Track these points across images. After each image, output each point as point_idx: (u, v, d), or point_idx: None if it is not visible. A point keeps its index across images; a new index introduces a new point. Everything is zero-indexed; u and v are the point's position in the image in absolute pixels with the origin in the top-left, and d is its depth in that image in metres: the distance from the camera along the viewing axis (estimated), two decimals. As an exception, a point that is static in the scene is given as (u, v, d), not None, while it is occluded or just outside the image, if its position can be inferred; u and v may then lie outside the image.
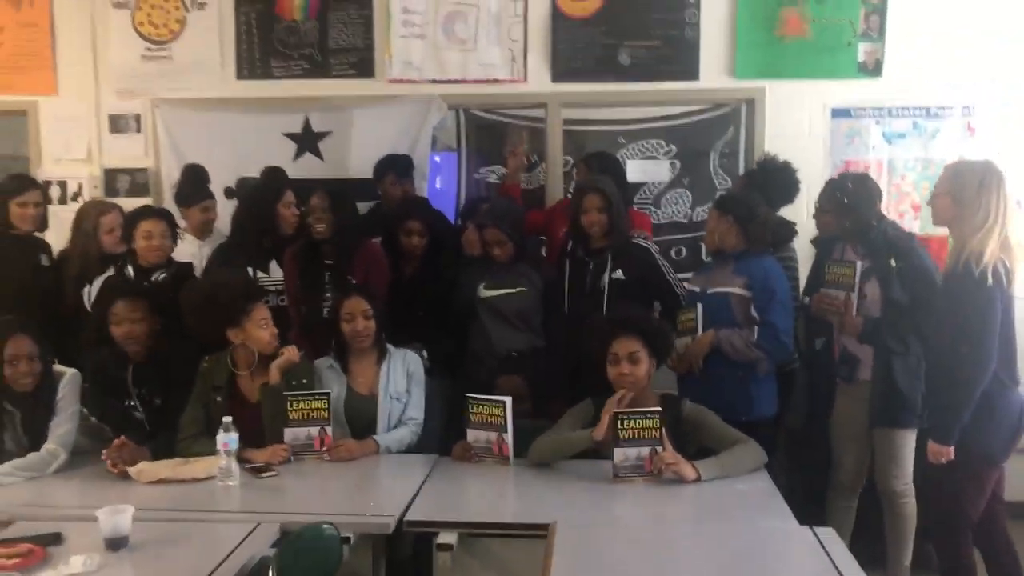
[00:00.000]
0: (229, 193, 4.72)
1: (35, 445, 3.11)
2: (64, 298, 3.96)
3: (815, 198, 3.92)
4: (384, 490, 3.03)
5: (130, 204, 4.56)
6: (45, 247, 4.18)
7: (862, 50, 4.57)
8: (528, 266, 3.92)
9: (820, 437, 3.75)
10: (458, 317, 3.89)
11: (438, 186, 5.31)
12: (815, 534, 2.47)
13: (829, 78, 4.59)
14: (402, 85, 4.81)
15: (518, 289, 3.83)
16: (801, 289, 3.88)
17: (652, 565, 2.34)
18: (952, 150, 4.41)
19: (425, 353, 3.74)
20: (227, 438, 2.91)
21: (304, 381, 3.31)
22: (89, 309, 3.88)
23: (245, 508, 2.76)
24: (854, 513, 3.67)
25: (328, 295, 3.75)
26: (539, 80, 4.76)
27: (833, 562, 2.29)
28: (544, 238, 4.46)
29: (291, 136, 4.85)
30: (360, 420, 3.38)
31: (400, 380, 3.44)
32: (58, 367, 3.27)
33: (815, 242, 3.89)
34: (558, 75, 4.74)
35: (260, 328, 3.24)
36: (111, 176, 4.99)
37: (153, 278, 3.77)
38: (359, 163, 4.72)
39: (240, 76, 4.91)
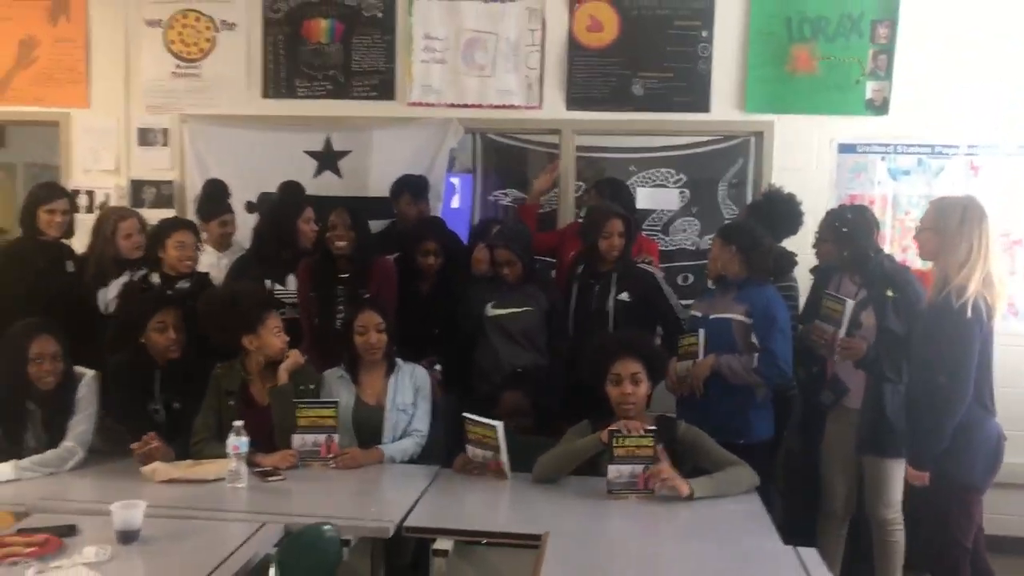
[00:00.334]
0: (250, 207, 4.86)
1: (54, 442, 3.24)
2: (83, 302, 4.07)
3: (818, 229, 4.02)
4: (386, 497, 3.12)
5: (154, 215, 4.74)
6: (70, 253, 4.31)
7: (870, 88, 4.67)
8: (535, 287, 4.01)
9: (814, 463, 3.82)
10: (464, 333, 3.99)
11: (454, 206, 5.45)
12: (798, 555, 2.55)
13: (837, 114, 4.69)
14: (421, 108, 4.96)
15: (524, 308, 3.92)
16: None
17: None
18: (956, 188, 4.48)
19: (439, 367, 3.86)
20: (238, 441, 3.03)
21: (312, 387, 3.44)
22: (104, 311, 4.03)
23: (251, 509, 2.86)
24: (844, 540, 3.74)
25: (341, 308, 3.86)
26: (554, 107, 4.89)
27: (813, 582, 2.37)
28: (554, 260, 4.57)
29: (312, 154, 5.00)
30: (367, 430, 3.48)
31: (407, 393, 3.55)
32: (78, 368, 3.39)
33: (814, 271, 3.97)
34: (573, 103, 4.87)
35: (274, 336, 3.38)
36: (137, 187, 5.15)
37: (177, 286, 3.90)
38: (377, 182, 4.85)
39: (265, 95, 5.07)
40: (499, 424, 3.21)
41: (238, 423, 3.06)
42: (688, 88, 4.80)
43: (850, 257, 3.66)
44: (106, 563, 2.35)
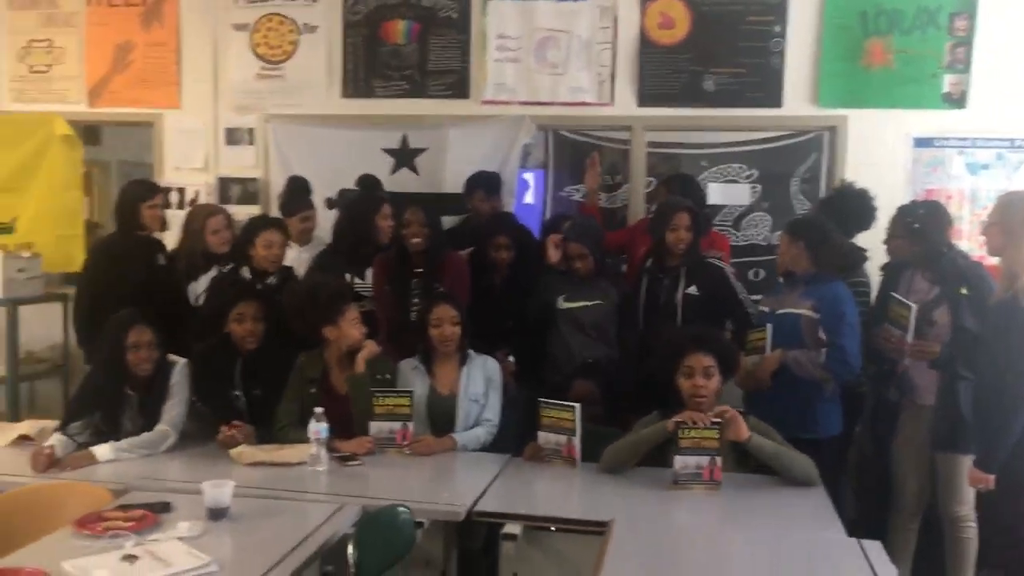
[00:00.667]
0: (330, 203, 5.04)
1: (149, 426, 3.43)
2: (175, 293, 4.28)
3: (892, 224, 3.99)
4: (458, 482, 3.24)
5: (241, 211, 4.96)
6: (162, 247, 4.52)
7: (947, 81, 4.62)
8: (607, 281, 4.08)
9: (884, 460, 3.82)
10: (533, 322, 4.07)
11: (527, 202, 5.54)
12: (861, 547, 2.57)
13: (912, 108, 4.66)
14: (495, 106, 5.07)
15: (596, 302, 3.99)
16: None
17: (699, 564, 2.49)
18: (1036, 182, 4.43)
19: (512, 358, 3.96)
20: (318, 427, 3.18)
21: (388, 376, 3.58)
22: (193, 303, 4.23)
23: (331, 491, 3.01)
24: (915, 535, 3.72)
25: (416, 301, 3.99)
26: (625, 104, 4.96)
27: (874, 572, 2.38)
28: (624, 256, 4.63)
29: (389, 151, 5.15)
30: (440, 418, 3.61)
31: (479, 383, 3.66)
32: (171, 356, 3.58)
33: (884, 268, 3.96)
34: (644, 100, 4.93)
35: (353, 327, 3.53)
36: (224, 184, 5.39)
37: (268, 281, 4.05)
38: (452, 178, 4.98)
39: (345, 95, 5.25)
40: (576, 405, 3.31)
41: (319, 410, 3.21)
42: (760, 83, 4.81)
43: (922, 253, 3.64)
44: (198, 538, 2.49)
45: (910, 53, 4.64)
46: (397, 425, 3.44)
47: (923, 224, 3.64)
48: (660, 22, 4.87)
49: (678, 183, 4.55)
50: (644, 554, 2.50)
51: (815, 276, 3.66)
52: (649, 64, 4.90)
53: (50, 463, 3.17)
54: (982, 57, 4.58)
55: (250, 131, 5.35)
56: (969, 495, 3.50)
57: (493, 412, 3.64)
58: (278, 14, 5.26)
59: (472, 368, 3.67)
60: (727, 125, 4.95)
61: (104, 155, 7.20)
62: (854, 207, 4.06)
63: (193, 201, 5.32)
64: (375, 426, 3.44)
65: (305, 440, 3.22)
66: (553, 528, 2.85)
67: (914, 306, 3.52)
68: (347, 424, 3.46)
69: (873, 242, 4.11)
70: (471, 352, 3.71)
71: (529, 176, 5.49)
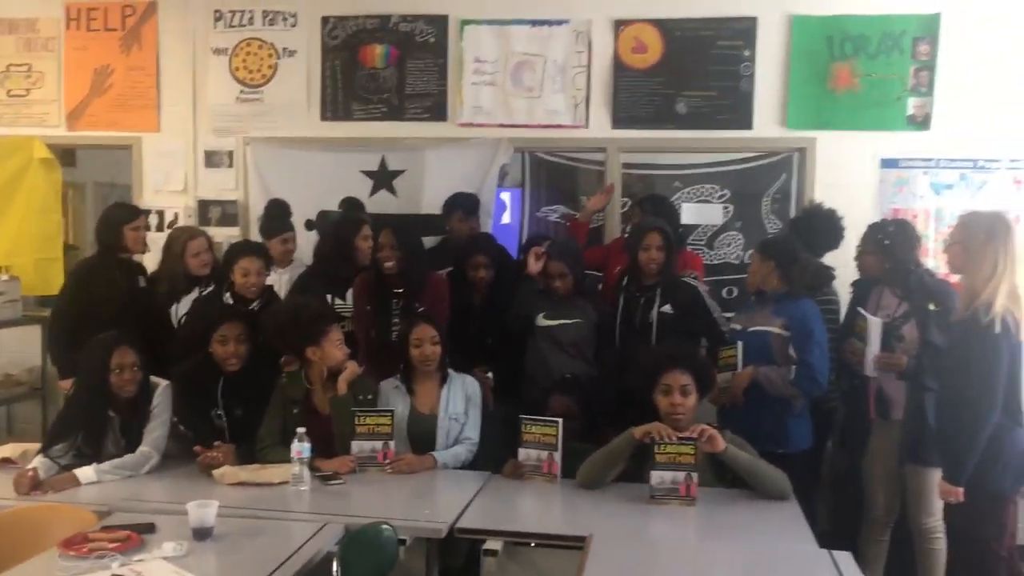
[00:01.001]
0: (309, 225, 5.08)
1: (131, 448, 3.44)
2: (156, 316, 4.31)
3: (861, 243, 4.10)
4: (439, 500, 3.28)
5: (220, 233, 5.01)
6: (142, 270, 4.57)
7: (911, 104, 4.76)
8: (585, 300, 4.15)
9: (857, 473, 3.91)
10: (513, 339, 4.13)
11: (504, 222, 5.62)
12: (832, 558, 2.64)
13: (879, 130, 4.78)
14: (472, 128, 5.16)
15: (575, 320, 4.07)
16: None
17: (676, 576, 2.57)
18: (998, 202, 4.52)
19: (491, 375, 4.02)
20: (301, 447, 3.21)
21: (370, 397, 3.63)
22: (176, 325, 4.26)
23: (314, 510, 3.04)
24: (887, 547, 3.82)
25: (396, 321, 4.04)
26: (600, 126, 5.06)
27: (844, 582, 2.48)
28: (600, 274, 4.71)
29: (368, 173, 5.21)
30: (421, 437, 3.65)
31: (459, 402, 3.71)
32: (154, 378, 3.60)
33: (854, 284, 4.05)
34: (618, 122, 5.03)
35: (335, 348, 3.58)
36: (204, 206, 5.43)
37: (251, 308, 4.06)
38: (430, 200, 5.04)
39: (324, 117, 5.32)
40: (559, 421, 3.38)
41: (301, 430, 3.24)
42: (731, 106, 4.93)
43: (891, 270, 3.75)
44: (183, 557, 2.52)
45: (875, 77, 4.77)
46: (379, 444, 3.48)
47: (892, 241, 3.75)
48: (633, 47, 4.98)
49: (651, 203, 4.64)
50: (622, 568, 2.56)
51: (785, 294, 3.76)
52: (623, 87, 5.01)
53: (33, 485, 3.17)
54: (944, 81, 4.72)
55: (229, 154, 5.40)
56: (938, 507, 3.58)
57: (473, 430, 3.70)
58: (257, 39, 5.33)
59: (452, 387, 3.73)
60: (699, 147, 5.06)
61: (79, 177, 7.22)
62: (823, 227, 4.17)
63: (172, 223, 5.35)
64: (356, 445, 3.49)
65: (287, 460, 3.26)
66: (533, 544, 2.90)
67: (874, 319, 3.62)
68: (329, 444, 3.51)
69: (841, 260, 4.21)
70: (451, 371, 3.77)
71: (506, 196, 5.58)
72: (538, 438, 3.42)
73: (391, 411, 3.55)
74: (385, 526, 2.75)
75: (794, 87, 4.85)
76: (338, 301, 4.16)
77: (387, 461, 3.48)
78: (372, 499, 3.21)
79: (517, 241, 5.37)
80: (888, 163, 4.80)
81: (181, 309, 4.31)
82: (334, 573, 2.58)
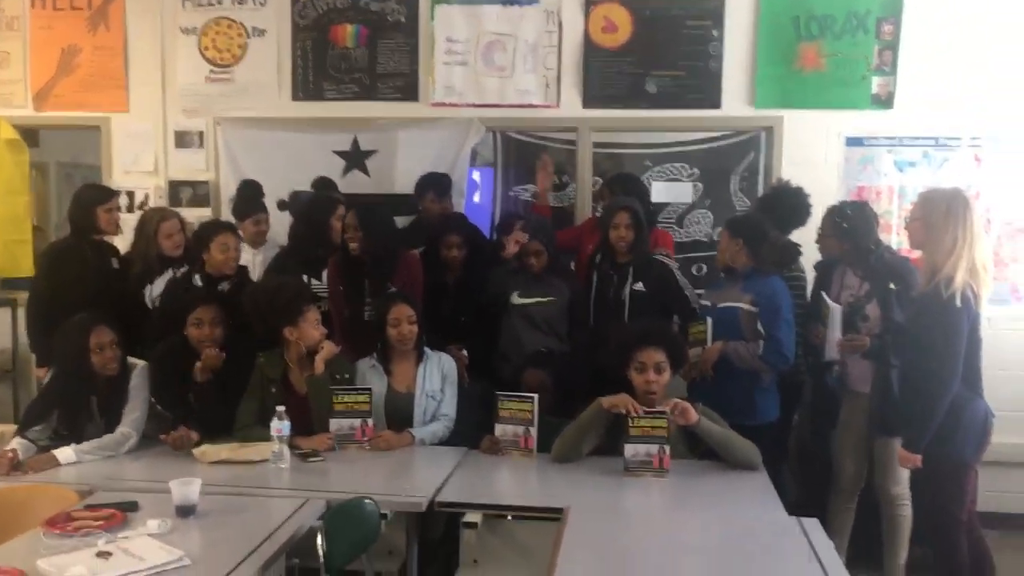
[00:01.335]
0: (282, 205, 5.07)
1: (110, 428, 3.47)
2: (130, 297, 4.31)
3: (826, 222, 4.19)
4: (418, 475, 3.33)
5: (192, 214, 5.00)
6: (115, 251, 4.56)
7: (875, 83, 4.85)
8: (558, 278, 4.22)
9: (823, 445, 4.02)
10: (487, 314, 4.19)
11: (476, 201, 5.65)
12: (801, 524, 2.74)
13: (844, 109, 4.87)
14: (444, 108, 5.17)
15: (549, 299, 4.14)
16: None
17: (650, 546, 2.63)
18: (960, 179, 4.64)
19: (465, 352, 4.07)
20: (280, 425, 3.26)
21: (347, 376, 3.67)
22: (150, 306, 4.26)
23: (295, 486, 3.09)
24: (853, 514, 3.94)
25: (368, 300, 4.07)
26: (571, 106, 5.10)
27: (812, 547, 2.56)
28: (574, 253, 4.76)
29: (340, 154, 5.22)
30: (398, 415, 3.71)
31: (435, 380, 3.77)
32: (131, 359, 3.62)
33: (817, 267, 4.15)
34: (589, 101, 5.08)
35: (313, 328, 3.62)
36: (175, 187, 5.40)
37: (220, 287, 4.09)
38: (403, 180, 5.07)
39: (295, 97, 5.30)
40: (534, 396, 3.44)
41: (280, 408, 3.28)
42: (700, 85, 4.99)
43: (852, 251, 3.84)
44: (168, 534, 2.55)
45: (840, 56, 4.85)
46: (357, 422, 3.53)
47: (851, 224, 3.84)
48: (603, 26, 5.02)
49: (620, 183, 4.70)
50: (598, 538, 2.64)
51: (753, 271, 3.85)
52: (593, 67, 5.05)
53: (12, 466, 3.19)
54: (907, 60, 4.81)
55: (200, 134, 5.37)
56: (904, 476, 3.71)
57: (450, 407, 3.76)
58: (226, 18, 5.29)
59: (429, 365, 3.78)
60: (669, 126, 5.12)
61: (43, 157, 7.12)
62: (790, 204, 4.25)
63: (143, 204, 5.32)
64: (335, 423, 3.53)
65: (266, 438, 3.30)
66: (510, 516, 2.97)
67: (836, 306, 3.71)
68: (307, 423, 3.55)
69: (808, 237, 4.28)
70: (427, 350, 3.82)
71: (477, 175, 5.61)
72: (514, 414, 3.48)
73: (369, 389, 3.60)
74: (368, 500, 2.81)
75: (761, 66, 4.92)
76: (314, 281, 4.18)
77: (365, 438, 3.53)
78: (352, 475, 3.26)
79: (489, 220, 5.40)
80: (853, 141, 4.89)
81: (155, 290, 4.31)
82: (319, 545, 2.63)
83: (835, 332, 3.73)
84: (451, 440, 3.69)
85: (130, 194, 5.37)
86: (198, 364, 3.64)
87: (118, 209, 4.47)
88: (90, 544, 2.46)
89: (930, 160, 4.84)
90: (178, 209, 4.98)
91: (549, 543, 2.60)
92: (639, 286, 4.06)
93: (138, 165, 5.41)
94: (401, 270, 4.15)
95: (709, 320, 3.83)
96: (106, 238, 4.52)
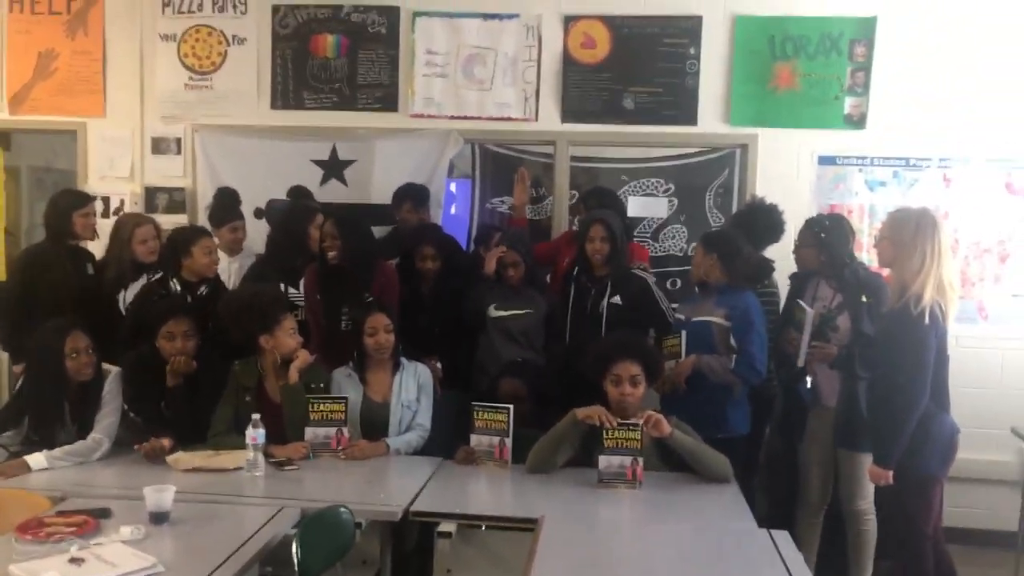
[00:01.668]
0: (259, 214, 5.09)
1: (82, 434, 3.44)
2: (104, 303, 4.28)
3: (800, 236, 4.25)
4: (393, 484, 3.33)
5: (168, 220, 4.98)
6: (90, 257, 4.54)
7: (848, 103, 4.94)
8: (535, 290, 4.26)
9: (792, 458, 4.07)
10: (467, 329, 4.22)
11: (453, 212, 5.68)
12: (771, 536, 2.78)
13: (817, 128, 4.95)
14: (423, 120, 5.20)
15: (526, 311, 4.17)
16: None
17: (623, 556, 2.66)
18: (929, 199, 4.71)
19: (439, 364, 4.09)
20: (255, 433, 3.25)
21: (322, 385, 3.67)
22: (124, 312, 4.24)
23: (269, 495, 3.08)
24: (820, 528, 3.98)
25: (345, 310, 4.08)
26: (549, 120, 5.15)
27: (783, 559, 2.59)
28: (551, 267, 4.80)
29: (319, 163, 5.23)
30: (373, 424, 3.72)
31: (411, 390, 3.78)
32: (105, 365, 3.60)
33: (791, 278, 4.20)
34: (567, 116, 5.13)
35: (288, 336, 3.62)
36: (151, 194, 5.38)
37: (198, 292, 4.09)
38: (380, 190, 5.09)
39: (274, 106, 5.30)
40: (509, 407, 3.46)
41: (256, 416, 3.28)
42: (676, 102, 5.06)
43: (827, 263, 3.90)
44: (141, 541, 2.55)
45: (814, 77, 4.94)
46: (332, 430, 3.53)
47: (828, 235, 3.91)
48: (582, 42, 5.08)
49: (596, 197, 4.74)
50: (572, 548, 2.66)
51: (727, 286, 3.90)
52: (572, 82, 5.11)
53: (-17, 472, 3.16)
54: (879, 81, 4.91)
55: (177, 141, 5.36)
56: (869, 490, 3.76)
57: (425, 417, 3.77)
58: (207, 25, 5.29)
59: (405, 375, 3.79)
60: (645, 141, 5.18)
61: (15, 161, 7.05)
62: (764, 221, 4.30)
63: (119, 210, 5.29)
64: (311, 431, 3.54)
65: (241, 446, 3.29)
66: (485, 526, 2.99)
67: (810, 310, 3.77)
68: (281, 431, 3.55)
69: (781, 253, 4.36)
70: (403, 360, 3.83)
71: (455, 187, 5.63)
72: (489, 424, 3.50)
73: (345, 398, 3.61)
74: (343, 509, 2.81)
75: (737, 85, 5.00)
76: (291, 290, 4.19)
77: (340, 447, 3.54)
78: (327, 484, 3.26)
79: (466, 232, 5.43)
80: (825, 160, 4.97)
81: (129, 296, 4.28)
82: (294, 554, 2.63)
83: (807, 336, 3.78)
84: (426, 450, 3.70)
85: (106, 199, 5.34)
86: (168, 367, 3.63)
87: (94, 215, 4.45)
88: (63, 550, 2.45)
89: (900, 180, 4.93)
90: (154, 215, 4.94)
91: (523, 553, 2.61)
92: (616, 299, 4.10)
93: (114, 170, 5.39)
94: (378, 279, 4.16)
95: (683, 333, 3.88)
96: (82, 243, 4.50)
